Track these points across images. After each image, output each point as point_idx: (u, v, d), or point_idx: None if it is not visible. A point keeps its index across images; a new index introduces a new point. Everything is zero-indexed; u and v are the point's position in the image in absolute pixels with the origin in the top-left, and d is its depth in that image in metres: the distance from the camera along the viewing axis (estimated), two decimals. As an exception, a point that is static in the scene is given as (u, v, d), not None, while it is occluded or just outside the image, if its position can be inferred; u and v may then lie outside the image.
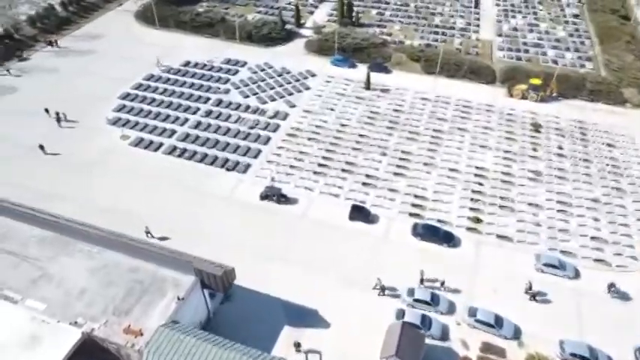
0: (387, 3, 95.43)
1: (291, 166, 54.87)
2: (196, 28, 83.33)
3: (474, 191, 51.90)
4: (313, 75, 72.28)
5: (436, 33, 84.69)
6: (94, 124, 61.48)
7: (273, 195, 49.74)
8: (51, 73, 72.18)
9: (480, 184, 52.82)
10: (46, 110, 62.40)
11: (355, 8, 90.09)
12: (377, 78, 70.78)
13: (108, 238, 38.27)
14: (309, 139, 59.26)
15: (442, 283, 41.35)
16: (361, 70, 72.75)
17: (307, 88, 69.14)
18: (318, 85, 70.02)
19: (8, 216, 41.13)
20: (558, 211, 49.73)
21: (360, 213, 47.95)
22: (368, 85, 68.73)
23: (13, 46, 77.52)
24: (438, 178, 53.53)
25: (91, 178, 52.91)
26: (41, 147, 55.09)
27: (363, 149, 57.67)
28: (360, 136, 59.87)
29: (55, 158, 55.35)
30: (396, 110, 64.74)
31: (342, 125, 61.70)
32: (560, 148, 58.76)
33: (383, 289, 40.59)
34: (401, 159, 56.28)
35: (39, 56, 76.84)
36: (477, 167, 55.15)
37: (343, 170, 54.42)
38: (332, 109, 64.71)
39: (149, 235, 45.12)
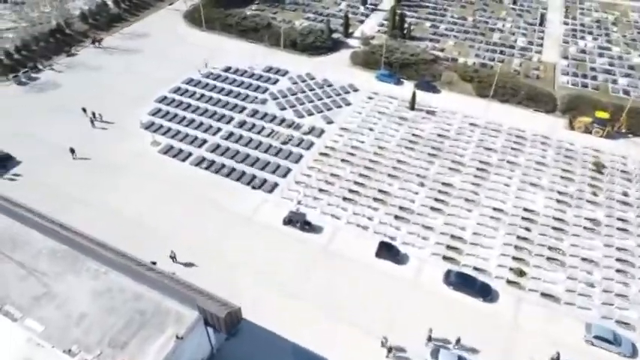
0: (443, 16, 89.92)
1: (320, 190, 51.44)
2: (241, 32, 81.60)
3: (519, 237, 46.43)
4: (356, 90, 68.47)
5: (494, 51, 78.54)
6: (127, 126, 60.69)
7: (297, 221, 46.54)
8: (94, 71, 72.51)
9: (528, 229, 47.23)
10: (84, 110, 62.29)
11: (408, 19, 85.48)
12: (423, 97, 66.08)
13: (117, 261, 36.45)
14: (343, 160, 55.59)
15: (458, 341, 36.65)
16: (407, 88, 68.26)
17: (348, 104, 65.44)
18: (359, 101, 66.16)
19: (25, 223, 40.29)
20: (617, 271, 43.47)
21: (388, 251, 43.86)
22: (413, 105, 64.14)
23: (64, 42, 78.73)
24: (479, 218, 48.42)
25: (117, 185, 51.76)
26: (72, 150, 54.58)
27: (399, 177, 53.34)
28: (398, 161, 55.54)
29: (83, 162, 54.64)
30: (440, 135, 59.83)
31: (380, 148, 57.58)
32: (625, 194, 51.87)
33: (390, 350, 36.30)
34: (440, 192, 51.51)
35: (86, 53, 77.60)
36: (526, 209, 49.47)
37: (375, 199, 50.39)
38: (371, 129, 60.68)
39: (174, 259, 42.87)
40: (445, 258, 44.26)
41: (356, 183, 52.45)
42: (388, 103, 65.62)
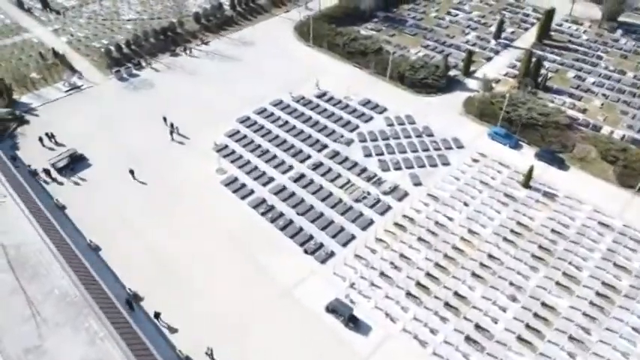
0: (594, 65, 73.11)
1: (382, 274, 42.25)
2: (348, 54, 74.14)
3: (640, 421, 32.92)
4: (460, 146, 57.21)
5: (655, 124, 61.22)
6: (201, 145, 57.00)
7: (341, 314, 38.12)
8: (189, 76, 70.67)
9: (656, 411, 33.39)
10: (164, 119, 60.08)
11: (546, 64, 70.87)
12: (544, 173, 52.84)
13: (119, 324, 31.78)
14: (420, 239, 45.56)
15: None
16: (525, 156, 55.38)
17: (445, 164, 54.66)
18: (461, 162, 54.95)
19: (55, 248, 37.76)
20: None
21: (444, 391, 33.61)
22: (527, 181, 51.30)
23: (172, 41, 78.48)
24: (585, 372, 35.57)
25: (167, 217, 47.84)
26: (131, 172, 51.87)
27: (486, 280, 41.95)
28: (490, 257, 43.96)
29: (142, 186, 51.67)
30: (555, 231, 46.57)
31: (471, 232, 46.34)
32: None
33: None
34: (537, 316, 39.20)
35: (192, 52, 76.33)
36: (659, 377, 35.36)
37: (447, 305, 39.86)
38: (466, 204, 49.49)
39: (210, 357, 36.02)
40: (522, 422, 32.69)
41: (428, 275, 42.26)
42: (496, 172, 53.44)
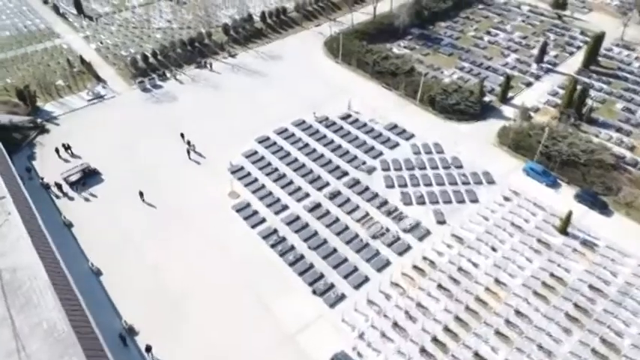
0: (647, 96, 67.21)
1: (395, 325, 38.59)
2: (378, 74, 70.75)
3: None
4: (491, 181, 52.85)
5: None
6: (216, 165, 54.89)
7: (345, 370, 34.80)
8: (213, 89, 69.04)
9: None
10: (182, 135, 58.35)
11: (593, 93, 65.45)
12: (583, 217, 47.98)
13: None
14: (440, 286, 41.63)
15: None
16: (563, 196, 50.57)
17: (474, 201, 50.45)
18: (491, 199, 50.61)
19: (51, 277, 36.04)
20: None
21: None
22: (565, 227, 46.53)
23: (199, 52, 77.22)
24: None
25: (172, 243, 45.72)
26: (141, 194, 49.98)
27: (511, 340, 37.64)
28: (518, 313, 39.58)
29: (153, 204, 49.77)
30: (594, 288, 41.69)
31: (498, 282, 42.05)
32: None
33: None
34: (568, 389, 34.72)
35: (214, 66, 74.75)
36: None
37: (465, 367, 35.90)
38: (494, 249, 45.19)
39: None
40: None
41: (446, 330, 38.32)
42: (530, 214, 48.84)
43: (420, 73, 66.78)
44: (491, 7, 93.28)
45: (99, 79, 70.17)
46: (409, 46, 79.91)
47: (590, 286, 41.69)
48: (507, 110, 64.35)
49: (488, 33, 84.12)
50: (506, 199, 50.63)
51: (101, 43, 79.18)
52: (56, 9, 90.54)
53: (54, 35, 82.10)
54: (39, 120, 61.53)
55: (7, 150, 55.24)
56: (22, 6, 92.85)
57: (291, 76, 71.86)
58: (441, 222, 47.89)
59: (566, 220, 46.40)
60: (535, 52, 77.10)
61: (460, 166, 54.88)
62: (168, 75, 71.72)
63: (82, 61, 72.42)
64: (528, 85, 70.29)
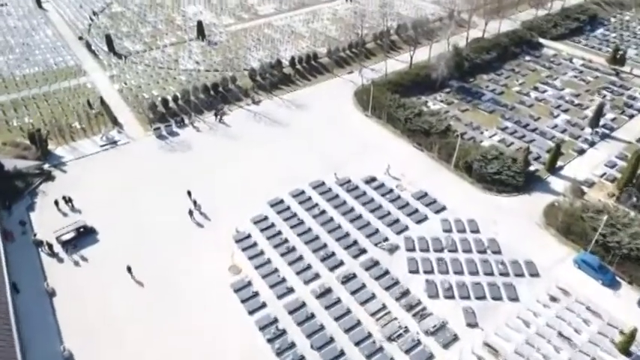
0: None
1: None
2: (409, 132, 64.52)
3: None
4: (534, 274, 44.86)
5: None
6: (221, 230, 49.62)
7: None
8: (230, 140, 64.73)
9: None
10: (189, 193, 53.69)
11: (659, 169, 56.57)
12: (651, 334, 39.04)
13: None
14: (467, 417, 33.85)
15: None
16: (625, 301, 42.04)
17: (513, 299, 42.53)
18: (533, 298, 42.55)
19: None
20: None
21: None
22: (627, 344, 37.86)
23: (222, 97, 73.70)
24: None
25: (156, 327, 40.20)
26: (129, 269, 44.49)
27: None
28: None
29: (140, 285, 44.47)
30: None
31: (540, 418, 33.85)
32: None
33: None
34: None
35: (236, 114, 70.91)
36: None
37: None
38: (535, 368, 37.11)
39: None
40: None
41: None
42: (582, 322, 40.44)
43: (457, 133, 60.00)
44: (539, 60, 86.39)
45: (116, 122, 67.34)
46: (446, 100, 73.63)
47: None
48: (556, 183, 56.45)
49: (536, 89, 76.93)
50: (553, 299, 42.44)
51: (125, 83, 77.15)
52: (89, 46, 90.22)
53: (81, 73, 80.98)
54: (46, 165, 58.69)
55: (7, 198, 52.53)
56: (57, 41, 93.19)
57: (315, 128, 66.82)
58: (472, 324, 40.21)
59: (630, 338, 37.76)
60: (589, 113, 69.17)
61: (498, 252, 47.20)
62: (186, 121, 68.18)
63: (102, 102, 70.16)
64: (581, 152, 62.17)
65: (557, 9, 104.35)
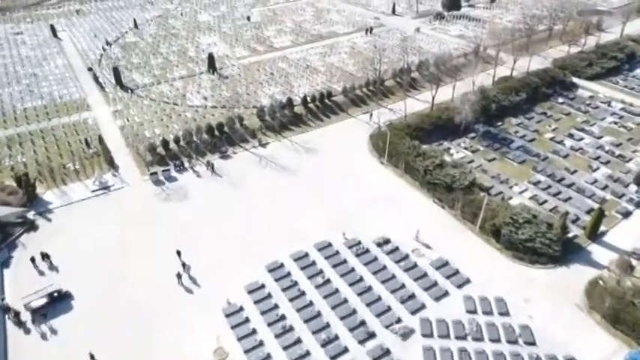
0: None
1: None
2: (429, 185, 57.95)
3: None
4: (576, 374, 37.27)
5: None
6: (209, 300, 43.55)
7: None
8: (231, 188, 59.19)
9: None
10: (178, 253, 48.04)
11: None
12: None
13: None
14: None
15: None
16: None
17: (551, 408, 34.96)
18: (577, 409, 34.89)
19: None
20: None
21: None
22: None
23: (226, 139, 68.75)
24: None
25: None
26: (91, 356, 38.37)
27: None
28: None
29: None
30: None
31: None
32: None
33: None
34: None
35: (240, 157, 65.70)
36: None
37: None
38: None
39: None
40: None
41: None
42: None
43: (485, 191, 52.91)
44: (573, 102, 79.06)
45: (112, 164, 62.85)
46: (471, 147, 66.90)
47: None
48: (598, 253, 48.81)
49: (571, 136, 69.52)
50: (601, 411, 34.72)
51: (127, 120, 73.06)
52: (96, 77, 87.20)
53: (84, 107, 77.50)
54: (30, 213, 54.15)
55: (-19, 252, 47.80)
56: (66, 72, 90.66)
57: (324, 176, 60.89)
58: None
59: None
60: (633, 166, 61.56)
61: (532, 343, 39.70)
62: (186, 165, 63.19)
63: (101, 141, 65.91)
64: (626, 215, 54.35)
65: (592, 45, 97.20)
